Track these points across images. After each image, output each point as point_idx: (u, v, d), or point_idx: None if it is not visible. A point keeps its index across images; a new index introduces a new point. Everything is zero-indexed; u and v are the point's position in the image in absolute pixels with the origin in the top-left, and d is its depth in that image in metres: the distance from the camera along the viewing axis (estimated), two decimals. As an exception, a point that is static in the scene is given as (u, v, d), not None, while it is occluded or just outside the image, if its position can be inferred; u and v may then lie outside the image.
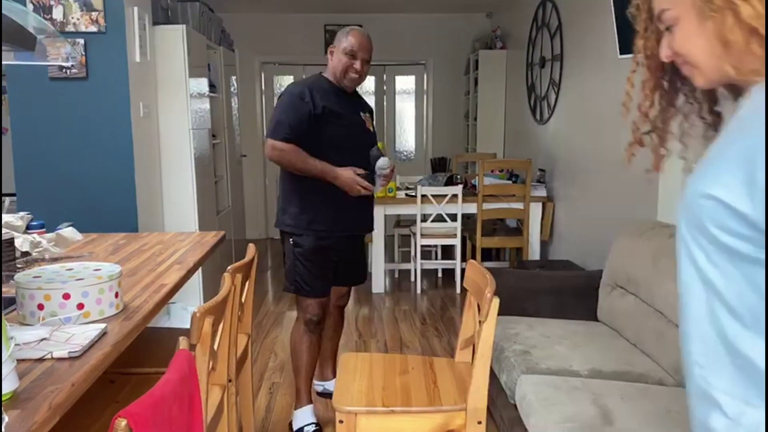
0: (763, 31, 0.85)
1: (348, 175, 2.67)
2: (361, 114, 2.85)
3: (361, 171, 2.70)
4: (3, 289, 1.99)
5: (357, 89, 2.91)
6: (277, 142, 2.66)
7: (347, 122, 2.75)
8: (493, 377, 2.35)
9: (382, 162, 2.77)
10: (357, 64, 2.73)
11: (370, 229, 2.99)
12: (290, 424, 2.92)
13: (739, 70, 0.91)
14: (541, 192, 5.00)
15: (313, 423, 2.85)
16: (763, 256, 0.83)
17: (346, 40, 2.74)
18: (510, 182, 5.13)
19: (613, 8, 3.08)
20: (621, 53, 3.11)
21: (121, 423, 1.02)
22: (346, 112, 2.76)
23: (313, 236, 2.74)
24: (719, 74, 0.95)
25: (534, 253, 5.04)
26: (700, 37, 0.94)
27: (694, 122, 1.12)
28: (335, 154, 2.69)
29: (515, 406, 2.40)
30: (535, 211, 5.00)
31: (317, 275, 2.79)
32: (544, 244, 5.11)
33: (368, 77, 7.59)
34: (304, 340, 2.85)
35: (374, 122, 2.96)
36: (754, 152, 0.80)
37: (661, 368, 2.41)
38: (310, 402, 2.90)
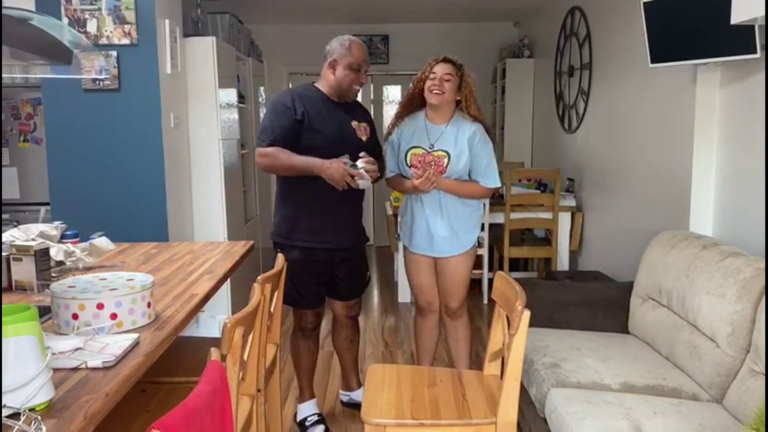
0: (471, 108, 2.87)
1: (336, 167, 2.57)
2: (354, 122, 2.79)
3: (349, 162, 2.60)
4: (39, 298, 2.03)
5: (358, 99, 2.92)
6: (262, 149, 2.65)
7: (331, 130, 2.69)
8: (522, 390, 2.32)
9: (362, 184, 2.64)
10: (363, 78, 2.75)
11: (359, 242, 2.92)
12: (295, 416, 3.03)
13: (451, 111, 2.88)
14: (570, 202, 4.95)
15: (315, 414, 2.97)
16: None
17: (351, 55, 2.70)
18: (538, 192, 5.09)
19: (644, 16, 3.04)
20: (652, 62, 3.07)
21: (155, 434, 1.03)
22: (332, 119, 2.71)
23: (297, 249, 2.73)
24: (447, 105, 2.85)
25: (563, 263, 4.98)
26: (453, 92, 2.81)
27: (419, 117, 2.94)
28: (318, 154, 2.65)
29: (545, 419, 2.37)
30: (564, 221, 4.95)
31: (306, 287, 2.80)
32: (573, 255, 5.05)
33: (393, 87, 7.71)
34: (301, 346, 2.95)
35: (371, 132, 2.87)
36: (466, 140, 2.84)
37: (695, 383, 2.36)
38: (313, 396, 3.02)
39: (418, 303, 3.11)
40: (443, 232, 2.90)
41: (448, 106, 2.86)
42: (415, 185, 2.77)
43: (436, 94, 2.77)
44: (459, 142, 2.84)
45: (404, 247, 3.05)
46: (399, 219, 3.11)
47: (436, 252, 2.95)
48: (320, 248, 2.78)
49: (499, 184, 2.96)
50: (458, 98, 2.84)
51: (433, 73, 2.79)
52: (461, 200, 2.89)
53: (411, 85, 2.92)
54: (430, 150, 2.85)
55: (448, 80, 2.78)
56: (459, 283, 2.99)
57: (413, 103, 2.92)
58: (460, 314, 3.06)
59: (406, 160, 2.88)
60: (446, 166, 2.84)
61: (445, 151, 2.84)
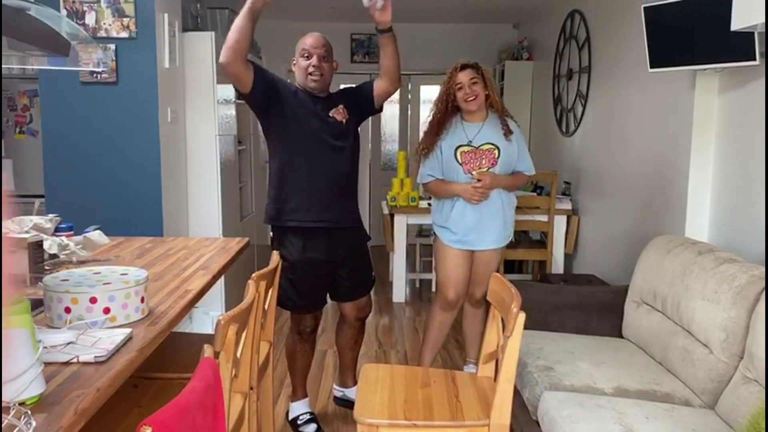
0: (496, 102, 3.12)
1: None
2: (332, 110, 2.81)
3: None
4: (31, 291, 2.02)
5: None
6: None
7: (307, 115, 2.74)
8: (515, 393, 2.32)
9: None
10: (314, 60, 2.75)
11: (352, 222, 2.87)
12: (287, 415, 3.02)
13: (484, 108, 3.10)
14: (566, 205, 4.95)
15: (307, 413, 2.97)
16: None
17: (300, 43, 2.81)
18: (534, 194, 5.09)
19: (644, 21, 3.04)
20: (651, 67, 3.07)
21: (146, 431, 1.02)
22: (305, 111, 2.74)
23: (294, 236, 2.72)
24: (481, 105, 3.06)
25: (557, 266, 4.98)
26: (483, 91, 3.03)
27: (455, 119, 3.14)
28: (296, 149, 2.73)
29: (537, 422, 2.36)
30: (560, 223, 4.95)
31: (304, 289, 2.78)
32: (568, 258, 5.05)
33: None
34: (297, 349, 2.94)
35: (346, 107, 2.85)
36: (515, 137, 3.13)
37: (688, 388, 2.36)
38: (305, 395, 3.03)
39: (447, 297, 3.19)
40: (497, 223, 3.10)
41: (482, 105, 3.07)
42: (469, 189, 2.98)
43: (471, 101, 3.00)
44: (502, 136, 3.07)
45: (439, 241, 3.16)
46: (437, 215, 3.18)
47: (485, 245, 3.10)
48: (317, 227, 2.73)
49: (534, 171, 3.22)
50: (487, 93, 3.05)
51: (459, 82, 3.01)
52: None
53: (438, 100, 3.12)
54: (478, 146, 3.05)
55: (475, 83, 3.00)
56: (490, 273, 3.14)
57: (447, 113, 3.09)
58: (482, 303, 3.29)
59: (456, 158, 3.05)
60: (497, 158, 3.04)
61: (494, 144, 3.05)
